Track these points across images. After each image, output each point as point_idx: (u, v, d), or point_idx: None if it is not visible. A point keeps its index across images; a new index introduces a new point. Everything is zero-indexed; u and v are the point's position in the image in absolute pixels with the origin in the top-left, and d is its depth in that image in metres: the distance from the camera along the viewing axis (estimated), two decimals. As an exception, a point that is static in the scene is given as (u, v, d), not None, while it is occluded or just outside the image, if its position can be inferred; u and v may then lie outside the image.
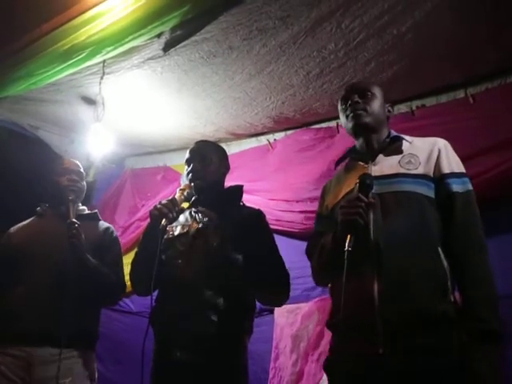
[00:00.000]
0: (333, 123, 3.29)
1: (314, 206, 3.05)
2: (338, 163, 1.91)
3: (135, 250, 2.09)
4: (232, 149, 3.67)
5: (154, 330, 1.94)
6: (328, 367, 1.65)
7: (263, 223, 2.08)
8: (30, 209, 2.59)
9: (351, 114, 1.73)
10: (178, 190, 1.99)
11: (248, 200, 2.24)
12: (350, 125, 1.75)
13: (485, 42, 2.46)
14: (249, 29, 2.47)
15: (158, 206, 1.87)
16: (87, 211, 2.56)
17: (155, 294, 2.01)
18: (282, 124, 3.44)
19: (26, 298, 2.20)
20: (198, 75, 2.90)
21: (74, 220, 2.25)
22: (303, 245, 3.04)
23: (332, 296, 1.70)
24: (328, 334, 2.72)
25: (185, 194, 1.95)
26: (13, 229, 2.46)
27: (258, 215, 2.08)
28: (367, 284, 1.49)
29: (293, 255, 2.95)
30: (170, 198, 1.91)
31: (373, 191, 1.59)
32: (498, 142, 2.54)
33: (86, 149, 3.13)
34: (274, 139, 3.55)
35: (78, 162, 2.55)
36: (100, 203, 3.94)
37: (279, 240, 2.12)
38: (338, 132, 3.22)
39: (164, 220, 1.83)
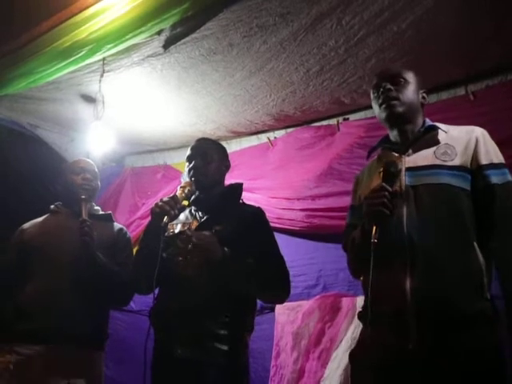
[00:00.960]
0: (333, 121, 3.28)
1: (315, 204, 3.10)
2: (370, 153, 1.84)
3: (136, 248, 2.09)
4: (232, 147, 3.66)
5: (155, 328, 1.94)
6: (353, 358, 1.63)
7: (264, 221, 2.07)
8: (30, 208, 2.59)
9: (384, 105, 1.66)
10: (178, 187, 1.98)
11: (248, 198, 2.24)
12: (383, 115, 1.69)
13: (485, 38, 2.45)
14: (249, 26, 2.46)
15: (160, 203, 1.85)
16: (101, 212, 2.57)
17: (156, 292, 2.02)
18: (282, 122, 3.44)
19: (37, 296, 2.20)
20: (198, 73, 2.89)
21: (86, 218, 2.27)
22: (304, 243, 3.12)
23: (364, 289, 1.65)
24: (329, 332, 2.77)
25: (186, 191, 1.94)
26: (26, 225, 2.47)
27: (258, 213, 2.08)
28: (400, 278, 1.46)
29: (294, 253, 2.97)
30: (172, 195, 1.90)
31: (407, 183, 1.55)
32: (499, 139, 2.51)
33: (86, 147, 3.13)
34: (275, 137, 3.55)
35: (91, 161, 2.57)
36: (100, 202, 3.92)
37: (280, 238, 2.11)
38: (339, 130, 3.22)
39: (166, 218, 1.82)
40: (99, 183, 2.55)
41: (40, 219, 2.48)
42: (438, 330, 1.40)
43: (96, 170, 2.54)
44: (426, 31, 2.41)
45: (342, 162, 3.06)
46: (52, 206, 2.50)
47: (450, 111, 2.76)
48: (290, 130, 3.49)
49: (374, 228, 1.45)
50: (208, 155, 2.07)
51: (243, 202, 2.15)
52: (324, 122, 3.34)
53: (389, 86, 1.66)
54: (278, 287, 1.98)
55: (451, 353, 1.37)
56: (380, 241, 1.43)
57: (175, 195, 1.91)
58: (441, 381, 1.37)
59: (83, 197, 2.35)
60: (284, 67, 2.79)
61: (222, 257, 1.80)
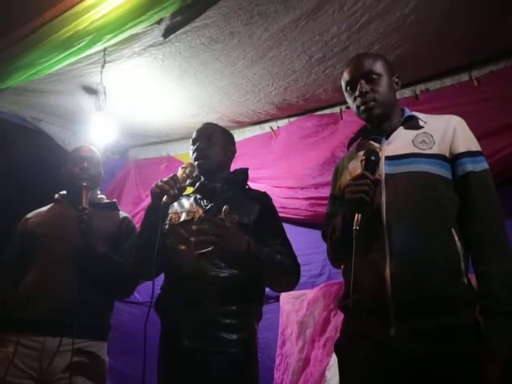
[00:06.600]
0: (336, 109, 3.27)
1: (319, 193, 3.08)
2: (350, 143, 1.87)
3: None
4: (235, 137, 3.55)
5: (161, 318, 1.93)
6: (338, 349, 1.64)
7: (271, 206, 2.07)
8: (32, 202, 2.58)
9: (362, 107, 1.67)
10: (180, 168, 1.97)
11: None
12: (362, 116, 1.71)
13: (489, 23, 2.42)
14: (250, 13, 2.44)
15: (159, 183, 1.84)
16: (106, 200, 2.55)
17: (161, 281, 2.00)
18: (284, 111, 3.42)
19: (37, 286, 2.18)
20: (200, 62, 2.87)
21: (85, 206, 2.24)
22: (309, 232, 3.11)
23: (345, 277, 1.68)
24: (334, 320, 2.76)
25: (187, 171, 1.93)
26: (30, 214, 2.46)
27: (265, 199, 2.07)
28: (379, 265, 1.48)
29: (298, 242, 2.92)
30: (171, 175, 1.88)
31: (386, 172, 1.57)
32: (504, 124, 2.51)
33: (89, 140, 3.12)
34: (277, 126, 3.53)
35: (93, 148, 2.52)
36: (104, 194, 3.93)
37: (284, 227, 2.10)
38: (342, 118, 3.21)
39: (165, 197, 1.80)
40: (101, 170, 2.51)
41: (44, 209, 2.47)
42: (417, 314, 1.42)
43: (97, 156, 2.50)
44: (429, 16, 2.39)
45: (345, 150, 3.02)
46: (56, 196, 2.49)
47: (454, 97, 2.74)
48: (292, 119, 3.47)
49: (357, 215, 1.47)
50: (213, 138, 2.06)
51: (249, 188, 2.14)
52: (327, 111, 3.33)
53: (365, 87, 1.65)
54: (290, 275, 1.96)
55: (429, 336, 1.40)
56: (360, 228, 1.45)
57: (175, 175, 1.89)
58: (421, 365, 1.39)
59: (84, 184, 2.31)
60: (286, 55, 2.76)
61: (245, 248, 1.77)
